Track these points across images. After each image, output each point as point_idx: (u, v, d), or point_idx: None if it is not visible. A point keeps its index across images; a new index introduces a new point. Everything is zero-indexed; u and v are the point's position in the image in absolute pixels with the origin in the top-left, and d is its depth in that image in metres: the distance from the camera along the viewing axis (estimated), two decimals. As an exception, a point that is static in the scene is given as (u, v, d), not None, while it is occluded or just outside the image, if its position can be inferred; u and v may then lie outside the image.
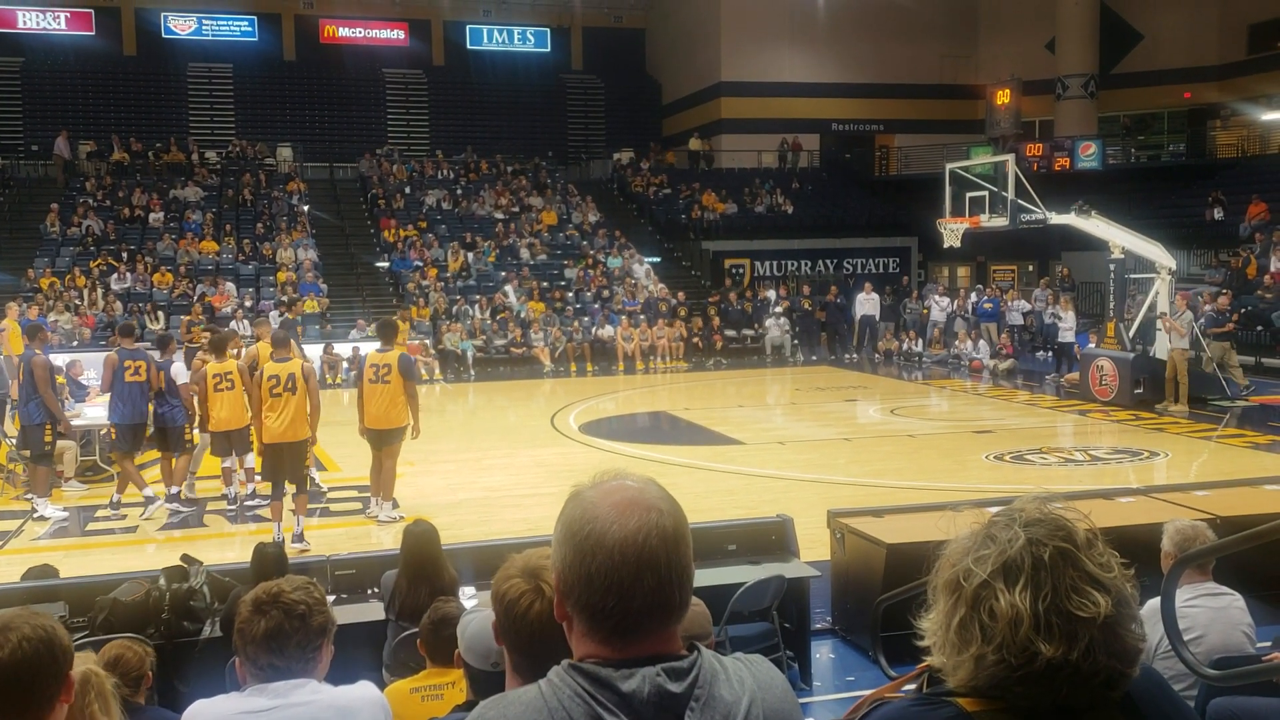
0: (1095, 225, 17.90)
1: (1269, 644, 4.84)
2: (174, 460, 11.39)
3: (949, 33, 37.18)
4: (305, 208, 30.02)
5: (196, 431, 11.73)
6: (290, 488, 9.88)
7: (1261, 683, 4.44)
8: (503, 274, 27.26)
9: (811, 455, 14.00)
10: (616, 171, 35.53)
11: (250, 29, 37.13)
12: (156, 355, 11.54)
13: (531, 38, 39.64)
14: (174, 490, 11.20)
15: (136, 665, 3.97)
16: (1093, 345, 18.92)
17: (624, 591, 1.51)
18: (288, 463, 9.76)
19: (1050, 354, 22.51)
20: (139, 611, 5.54)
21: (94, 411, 12.90)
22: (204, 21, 36.57)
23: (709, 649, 1.61)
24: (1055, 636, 1.44)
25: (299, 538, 9.64)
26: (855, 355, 25.65)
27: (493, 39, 39.25)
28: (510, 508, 11.04)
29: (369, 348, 12.02)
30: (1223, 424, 15.51)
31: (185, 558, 6.12)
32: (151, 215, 28.51)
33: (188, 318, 22.63)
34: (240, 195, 30.34)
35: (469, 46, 38.96)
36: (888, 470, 12.78)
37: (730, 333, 26.03)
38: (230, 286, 25.21)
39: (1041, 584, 1.46)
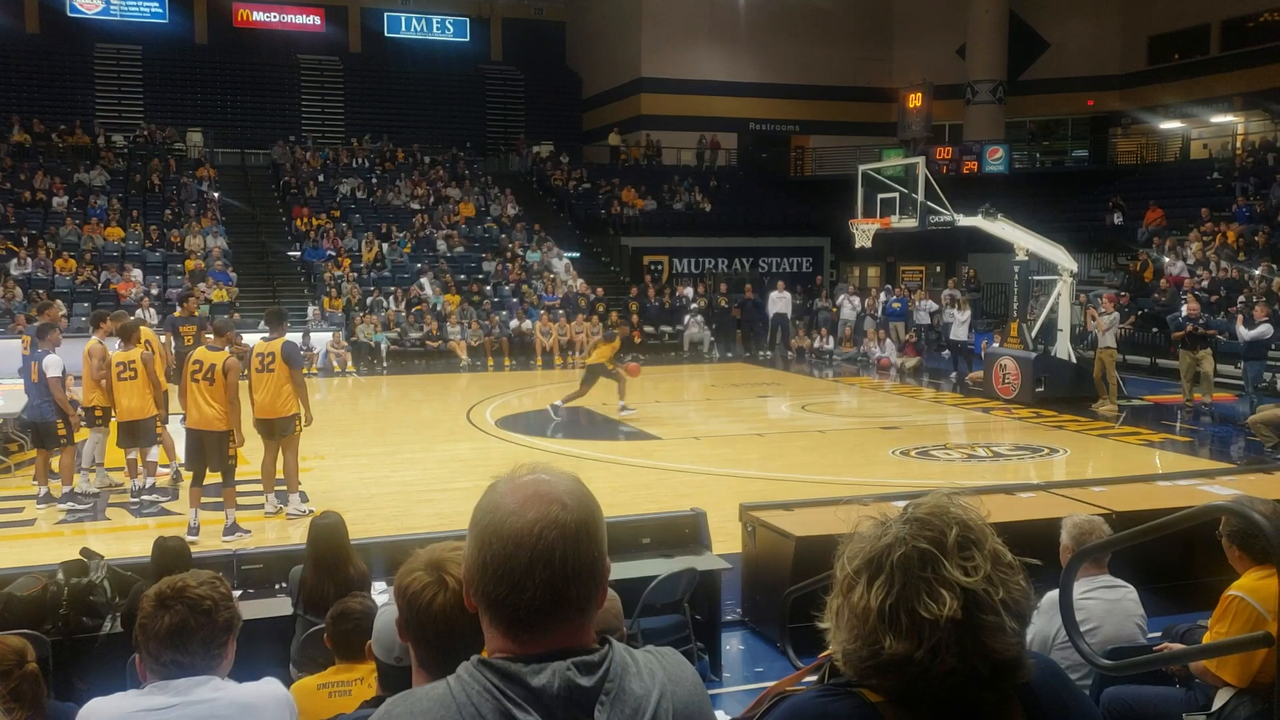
0: (1001, 228, 18.35)
1: (1159, 634, 5.02)
2: (51, 458, 10.96)
3: (864, 36, 37.76)
4: (215, 194, 29.34)
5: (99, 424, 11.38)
6: (215, 478, 9.71)
7: (1152, 672, 4.61)
8: (419, 266, 26.97)
9: (725, 450, 14.13)
10: (536, 165, 35.41)
11: (160, 10, 36.15)
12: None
13: (450, 27, 39.28)
14: (66, 489, 10.82)
15: (11, 659, 3.81)
16: (996, 345, 19.40)
17: (515, 583, 1.51)
18: (208, 452, 9.59)
19: (955, 353, 23.00)
20: (35, 606, 5.38)
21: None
22: (111, 1, 35.50)
23: (620, 641, 1.62)
24: (901, 633, 1.49)
25: (231, 529, 9.49)
26: (769, 353, 25.92)
27: (411, 27, 38.79)
28: (424, 502, 10.95)
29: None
30: (1117, 422, 16.01)
31: (85, 551, 5.95)
32: (54, 199, 27.60)
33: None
34: (148, 180, 29.53)
35: (387, 34, 38.47)
36: (798, 465, 12.95)
37: (649, 329, 26.10)
38: (136, 273, 24.54)
39: (894, 582, 1.52)
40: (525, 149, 36.49)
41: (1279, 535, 3.24)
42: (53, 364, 10.55)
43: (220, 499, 9.70)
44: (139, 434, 10.71)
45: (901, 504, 1.64)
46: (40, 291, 22.71)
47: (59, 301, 12.97)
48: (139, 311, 21.64)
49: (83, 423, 11.18)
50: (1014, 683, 1.56)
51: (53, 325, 11.19)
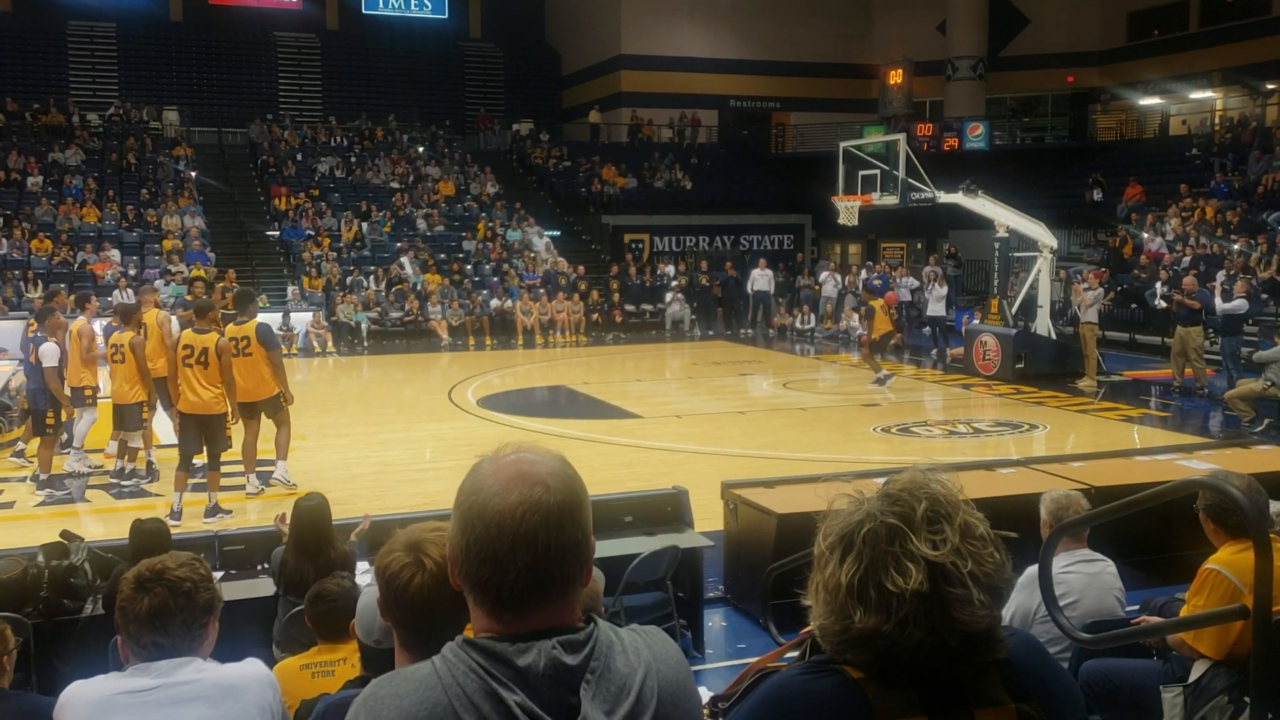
0: (981, 204, 18.37)
1: (1137, 608, 5.07)
2: (36, 442, 10.94)
3: (844, 12, 37.64)
4: (192, 173, 29.08)
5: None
6: (201, 460, 9.76)
7: (1130, 645, 4.66)
8: (399, 245, 26.85)
9: (707, 428, 14.16)
10: (515, 143, 35.24)
11: (134, -14, 35.71)
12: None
13: (429, 4, 38.89)
14: (44, 476, 10.74)
15: None
16: (977, 321, 19.45)
17: (498, 565, 1.51)
18: (197, 435, 9.60)
19: (930, 329, 23.01)
20: (16, 589, 5.35)
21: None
22: (83, -22, 35.05)
23: (604, 620, 1.63)
24: (870, 607, 1.52)
25: (213, 511, 9.47)
26: (750, 330, 25.95)
27: (389, 4, 38.40)
28: (406, 482, 10.94)
29: (263, 319, 11.67)
30: (1097, 398, 16.12)
31: (65, 534, 5.92)
32: (29, 179, 27.31)
33: (222, 284, 21.58)
34: (124, 160, 29.24)
35: (364, 11, 38.06)
36: (780, 442, 12.99)
37: (630, 307, 26.08)
38: (114, 254, 24.34)
39: (862, 556, 1.55)
40: (491, 125, 36.38)
41: (1255, 509, 3.27)
42: (49, 353, 10.50)
43: (203, 480, 9.69)
44: (124, 418, 10.74)
45: (881, 480, 1.66)
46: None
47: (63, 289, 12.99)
48: (116, 293, 21.52)
49: (74, 405, 11.15)
50: (988, 657, 1.57)
51: (54, 310, 11.19)
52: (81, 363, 10.93)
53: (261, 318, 10.97)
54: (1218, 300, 16.12)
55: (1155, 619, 4.66)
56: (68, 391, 10.87)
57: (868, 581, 1.53)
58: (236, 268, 25.56)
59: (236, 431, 10.18)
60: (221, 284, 21.53)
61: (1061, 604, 4.49)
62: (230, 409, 9.73)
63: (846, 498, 1.64)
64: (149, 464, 11.29)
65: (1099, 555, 4.93)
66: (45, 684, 4.78)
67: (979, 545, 1.56)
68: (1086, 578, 4.81)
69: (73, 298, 13.44)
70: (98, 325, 11.64)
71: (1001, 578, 1.56)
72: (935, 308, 21.77)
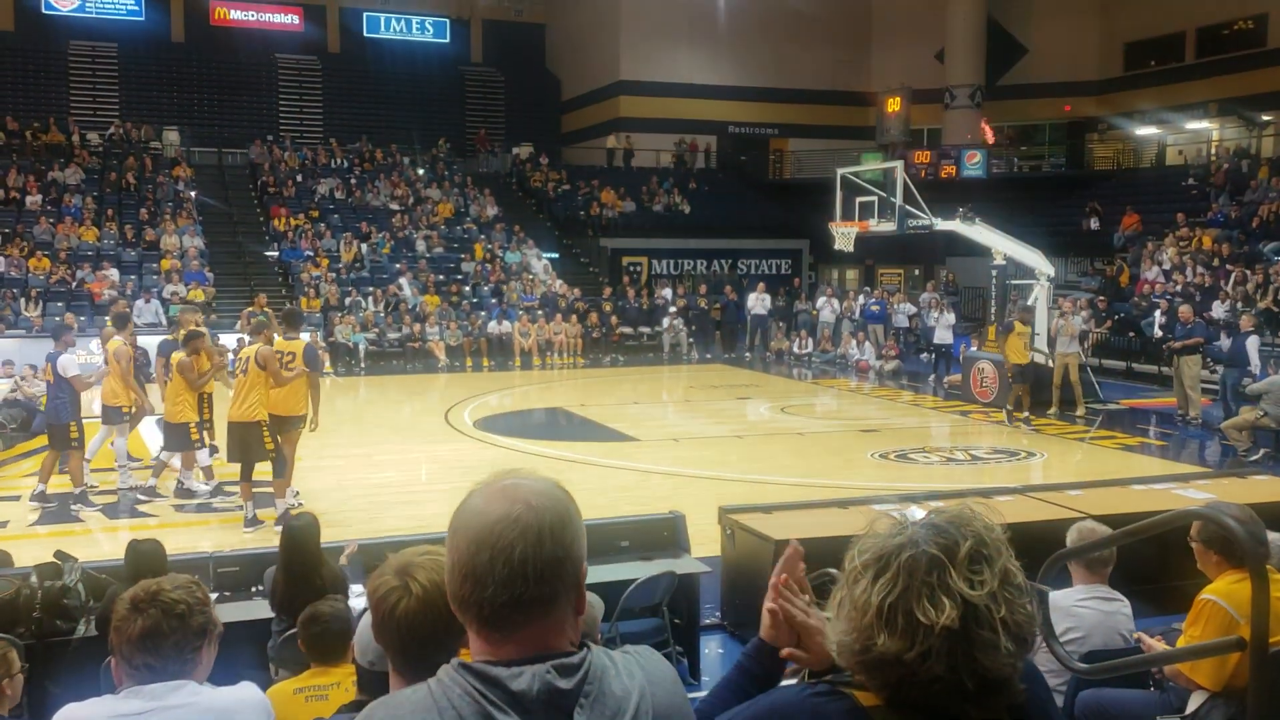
0: (979, 232, 18.44)
1: (1135, 639, 5.04)
2: (57, 456, 10.96)
3: (843, 40, 37.86)
4: (192, 193, 29.13)
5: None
6: (266, 473, 10.03)
7: (1127, 675, 4.63)
8: (397, 266, 26.88)
9: (704, 452, 14.14)
10: (515, 166, 35.38)
11: (136, 7, 35.84)
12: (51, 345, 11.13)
13: (430, 28, 39.19)
14: (39, 488, 10.76)
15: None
16: (974, 348, 19.46)
17: (478, 579, 1.53)
18: (242, 444, 9.84)
19: (932, 355, 23.04)
20: (8, 610, 5.33)
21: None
22: (87, -2, 35.25)
23: (598, 645, 1.63)
24: (896, 632, 1.50)
25: (251, 522, 9.72)
26: (748, 354, 25.96)
27: (390, 28, 38.68)
28: (402, 504, 10.92)
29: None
30: (1094, 425, 16.12)
31: (59, 554, 5.90)
32: (28, 198, 27.34)
33: (250, 309, 21.38)
34: (123, 179, 29.28)
35: (366, 35, 38.34)
36: (777, 467, 12.97)
37: (627, 330, 26.10)
38: (113, 273, 24.34)
39: (897, 580, 1.53)
40: (491, 148, 36.59)
41: (1252, 540, 3.27)
42: (68, 363, 10.68)
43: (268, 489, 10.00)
44: (169, 436, 10.99)
45: (886, 506, 1.66)
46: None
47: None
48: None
49: (108, 421, 11.28)
50: (1002, 704, 1.56)
51: (68, 328, 11.56)
52: (120, 383, 11.07)
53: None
54: (1234, 342, 15.97)
55: (1155, 641, 4.63)
56: (97, 409, 11.03)
57: (898, 607, 1.51)
58: (235, 288, 25.59)
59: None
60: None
61: (1069, 637, 4.47)
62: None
63: (889, 519, 1.63)
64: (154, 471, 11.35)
65: (1117, 595, 4.85)
66: (37, 706, 4.75)
67: (1015, 593, 1.54)
68: (1100, 615, 4.72)
69: (109, 319, 13.42)
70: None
71: (1030, 629, 1.55)
72: (942, 334, 21.78)
